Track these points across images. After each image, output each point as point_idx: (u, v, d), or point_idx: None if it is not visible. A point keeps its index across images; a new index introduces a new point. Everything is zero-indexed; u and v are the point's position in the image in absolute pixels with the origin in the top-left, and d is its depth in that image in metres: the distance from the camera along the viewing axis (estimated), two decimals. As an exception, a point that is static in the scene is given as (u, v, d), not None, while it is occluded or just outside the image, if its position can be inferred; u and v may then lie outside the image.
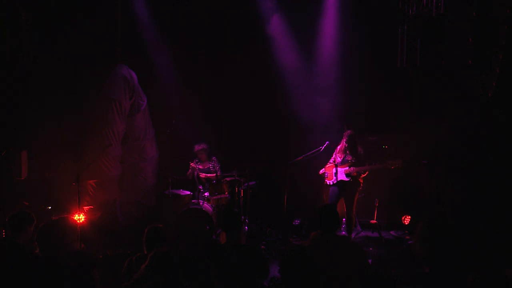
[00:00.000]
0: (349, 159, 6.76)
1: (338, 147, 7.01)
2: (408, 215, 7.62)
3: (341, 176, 6.76)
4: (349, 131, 6.84)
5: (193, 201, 7.52)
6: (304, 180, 7.96)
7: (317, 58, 8.46)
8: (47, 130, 7.22)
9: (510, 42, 5.73)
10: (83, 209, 7.10)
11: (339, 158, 6.91)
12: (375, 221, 7.48)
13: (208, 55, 8.43)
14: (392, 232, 7.62)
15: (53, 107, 7.27)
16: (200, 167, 7.93)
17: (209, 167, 7.92)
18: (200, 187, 7.72)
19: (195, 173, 7.92)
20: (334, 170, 6.83)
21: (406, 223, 7.61)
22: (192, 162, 7.88)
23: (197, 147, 7.88)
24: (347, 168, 6.71)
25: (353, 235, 7.13)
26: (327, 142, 7.34)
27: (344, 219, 7.06)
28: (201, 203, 7.28)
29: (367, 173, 6.75)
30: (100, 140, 7.59)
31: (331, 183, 6.85)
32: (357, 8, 7.94)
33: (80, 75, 7.43)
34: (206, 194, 7.55)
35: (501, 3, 5.86)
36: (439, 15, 6.74)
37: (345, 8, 8.14)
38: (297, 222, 7.92)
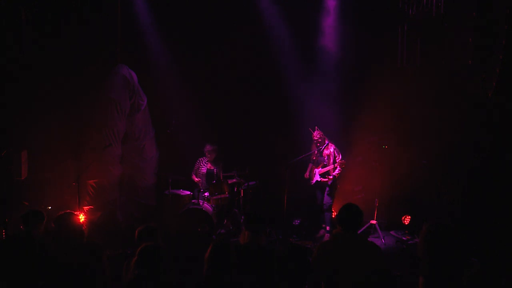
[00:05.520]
0: (322, 159, 7.39)
1: (312, 149, 7.52)
2: (408, 215, 7.62)
3: (316, 177, 7.42)
4: (316, 132, 7.37)
5: (193, 201, 7.52)
6: (304, 180, 7.95)
7: (317, 58, 8.45)
8: (47, 130, 7.22)
9: (510, 42, 5.73)
10: (83, 209, 7.10)
11: (314, 157, 7.53)
12: (375, 221, 7.48)
13: (208, 55, 8.42)
14: (392, 232, 7.62)
15: (53, 107, 7.26)
16: (207, 165, 7.95)
17: (214, 170, 7.94)
18: (199, 179, 7.79)
19: (199, 168, 7.96)
20: (314, 171, 7.50)
21: (406, 223, 7.61)
22: (200, 158, 7.98)
23: (209, 147, 7.89)
24: (320, 169, 7.37)
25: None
26: (326, 142, 7.37)
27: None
28: (201, 203, 7.28)
29: (339, 171, 7.25)
30: (100, 140, 7.58)
31: (312, 184, 7.53)
32: (357, 8, 7.93)
33: (80, 75, 7.42)
34: (206, 194, 7.56)
35: (501, 3, 5.86)
36: (439, 15, 6.74)
37: (345, 8, 8.14)
38: (297, 222, 7.92)
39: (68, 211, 4.27)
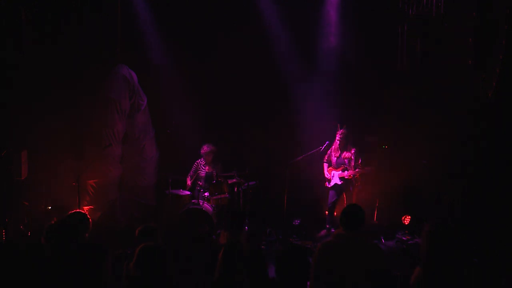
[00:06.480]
0: (342, 161, 7.28)
1: (333, 146, 7.39)
2: (408, 215, 7.62)
3: (336, 180, 7.33)
4: (342, 130, 7.29)
5: (193, 201, 7.52)
6: (304, 180, 7.95)
7: (316, 58, 8.46)
8: (47, 130, 7.21)
9: (510, 42, 5.74)
10: (83, 209, 7.09)
11: (334, 158, 7.38)
12: (375, 221, 7.48)
13: (209, 55, 8.42)
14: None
15: (53, 107, 7.26)
16: (206, 168, 7.92)
17: (213, 172, 7.91)
18: (200, 183, 7.72)
19: (198, 171, 7.93)
20: (332, 173, 7.38)
21: (406, 223, 7.60)
22: (198, 160, 7.92)
23: (206, 148, 7.79)
24: (340, 172, 7.27)
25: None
26: (327, 142, 7.38)
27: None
28: (201, 203, 7.28)
29: (358, 174, 7.23)
30: (100, 140, 7.57)
31: (330, 186, 7.41)
32: (357, 8, 7.93)
33: (80, 75, 7.41)
34: (206, 194, 7.55)
35: (501, 3, 5.87)
36: (439, 15, 6.74)
37: (345, 8, 8.14)
38: (297, 222, 7.92)
39: (78, 210, 4.25)
